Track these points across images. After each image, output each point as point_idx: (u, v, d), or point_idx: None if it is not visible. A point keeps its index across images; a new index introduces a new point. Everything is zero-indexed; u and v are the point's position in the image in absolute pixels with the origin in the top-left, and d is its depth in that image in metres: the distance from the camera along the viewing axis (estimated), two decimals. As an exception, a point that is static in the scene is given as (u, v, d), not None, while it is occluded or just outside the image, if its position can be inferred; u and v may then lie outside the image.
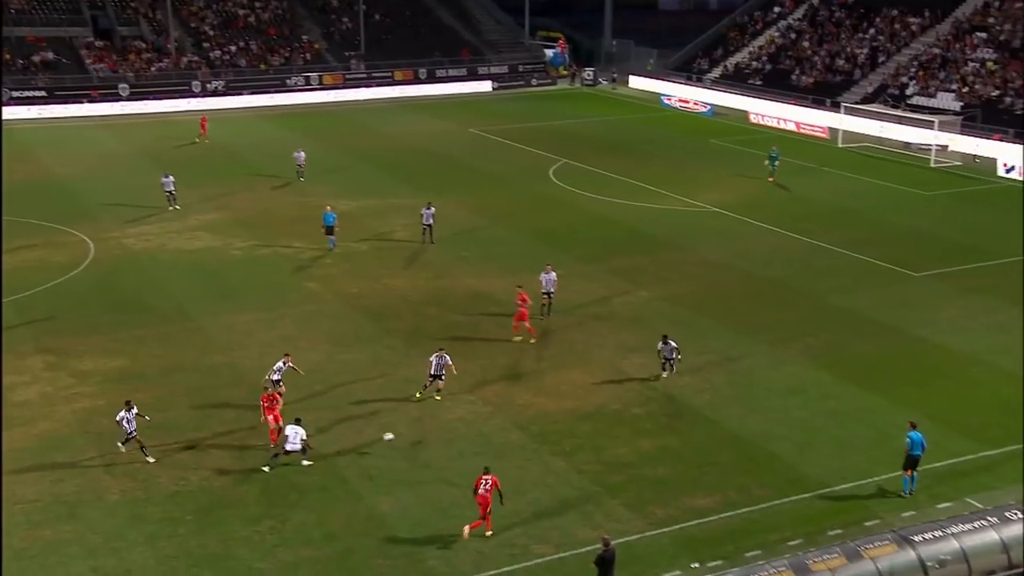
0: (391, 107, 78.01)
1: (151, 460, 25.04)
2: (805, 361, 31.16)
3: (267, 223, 45.82)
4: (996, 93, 69.27)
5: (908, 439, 23.89)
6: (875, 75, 78.45)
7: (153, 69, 79.53)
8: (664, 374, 29.48)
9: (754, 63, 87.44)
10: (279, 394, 26.52)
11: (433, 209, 42.58)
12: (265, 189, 52.22)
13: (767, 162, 54.25)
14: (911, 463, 23.82)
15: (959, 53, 74.75)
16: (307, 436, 24.77)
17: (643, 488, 24.14)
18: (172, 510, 23.46)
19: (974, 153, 60.82)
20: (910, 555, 19.20)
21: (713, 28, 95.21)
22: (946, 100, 70.77)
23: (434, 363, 28.12)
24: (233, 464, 25.23)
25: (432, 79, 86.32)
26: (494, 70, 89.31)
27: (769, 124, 72.55)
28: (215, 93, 79.18)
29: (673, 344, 29.34)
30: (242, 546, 22.19)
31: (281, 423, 25.75)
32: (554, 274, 34.43)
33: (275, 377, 27.58)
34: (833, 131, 66.54)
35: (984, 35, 75.08)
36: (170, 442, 26.24)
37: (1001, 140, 62.65)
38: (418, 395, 28.30)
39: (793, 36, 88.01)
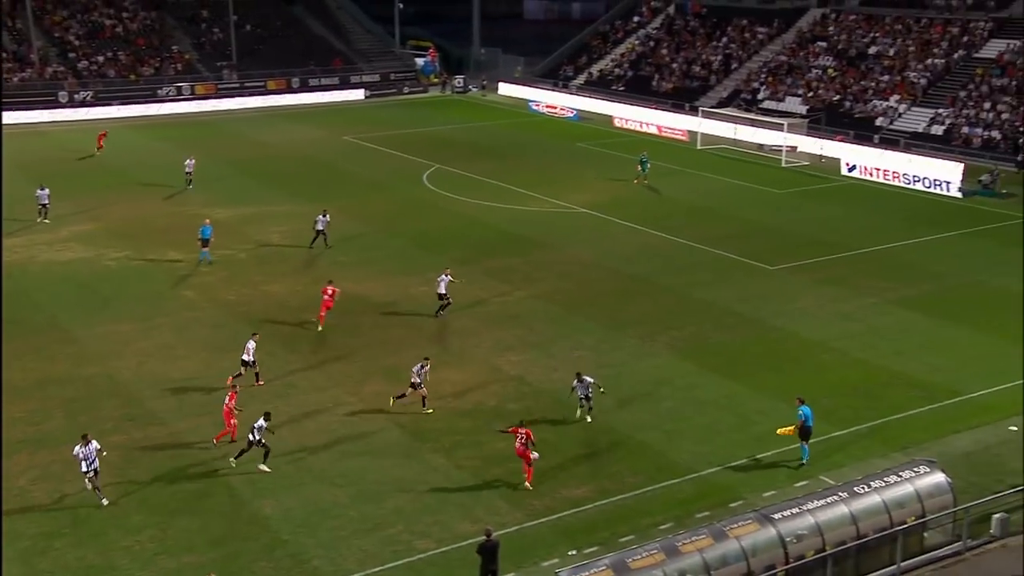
0: (265, 116, 76.47)
1: (104, 502, 22.87)
2: (671, 353, 31.65)
3: (142, 233, 44.43)
4: (837, 97, 72.36)
5: (800, 413, 24.76)
6: (729, 81, 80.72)
7: (15, 79, 76.09)
8: (580, 414, 26.89)
9: (616, 70, 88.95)
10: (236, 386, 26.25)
11: (328, 217, 42.28)
12: (140, 199, 50.51)
13: (639, 167, 55.03)
14: (805, 434, 24.70)
15: (803, 60, 77.74)
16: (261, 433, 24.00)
17: (522, 481, 24.23)
18: (47, 524, 22.53)
19: (820, 153, 63.22)
20: (771, 532, 19.76)
21: (577, 37, 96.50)
22: (793, 104, 73.36)
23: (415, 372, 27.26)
24: (112, 475, 24.33)
25: (305, 88, 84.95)
26: (366, 79, 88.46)
27: (632, 128, 73.72)
28: (83, 104, 76.20)
29: (589, 380, 26.72)
30: (123, 556, 21.51)
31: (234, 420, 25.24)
32: (448, 277, 34.48)
33: (246, 358, 27.79)
34: (692, 134, 68.13)
35: (824, 44, 78.29)
36: (46, 456, 25.18)
37: (843, 141, 65.17)
38: (392, 402, 27.58)
39: (652, 44, 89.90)
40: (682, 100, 79.73)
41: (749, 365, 30.78)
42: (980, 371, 30.51)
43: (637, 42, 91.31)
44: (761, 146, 66.32)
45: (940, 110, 66.04)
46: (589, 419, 27.04)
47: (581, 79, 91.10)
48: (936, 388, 29.40)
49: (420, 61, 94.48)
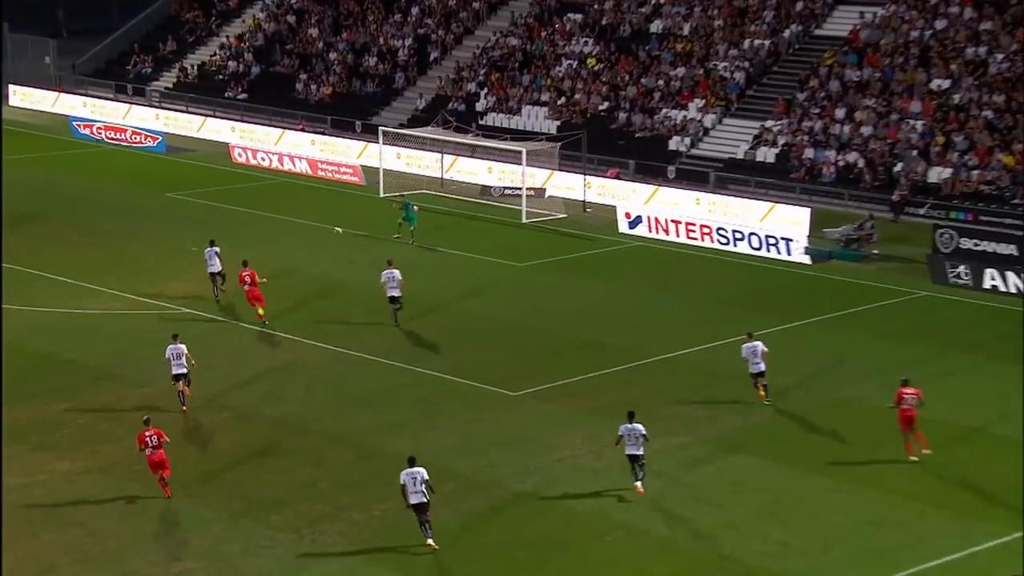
0: None
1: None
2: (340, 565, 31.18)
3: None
4: (605, 105, 74.91)
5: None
6: (427, 81, 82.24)
7: None
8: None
9: (232, 63, 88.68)
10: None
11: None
12: None
13: (401, 220, 58.46)
14: None
15: (547, 45, 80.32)
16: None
17: None
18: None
19: (582, 200, 64.84)
20: None
21: (155, 5, 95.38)
22: (536, 118, 75.49)
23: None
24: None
25: None
26: None
27: (263, 164, 73.43)
28: None
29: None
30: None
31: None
32: (397, 272, 46.75)
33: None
34: (369, 172, 68.44)
35: (579, 17, 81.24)
36: None
37: (619, 177, 67.53)
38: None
39: (292, 19, 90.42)
40: (350, 115, 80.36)
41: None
42: (857, 549, 31.64)
43: (264, 16, 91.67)
44: (486, 190, 67.56)
45: (768, 122, 69.81)
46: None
47: (168, 80, 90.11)
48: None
49: None
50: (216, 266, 49.71)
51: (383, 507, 33.40)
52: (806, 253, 56.21)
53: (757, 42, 74.19)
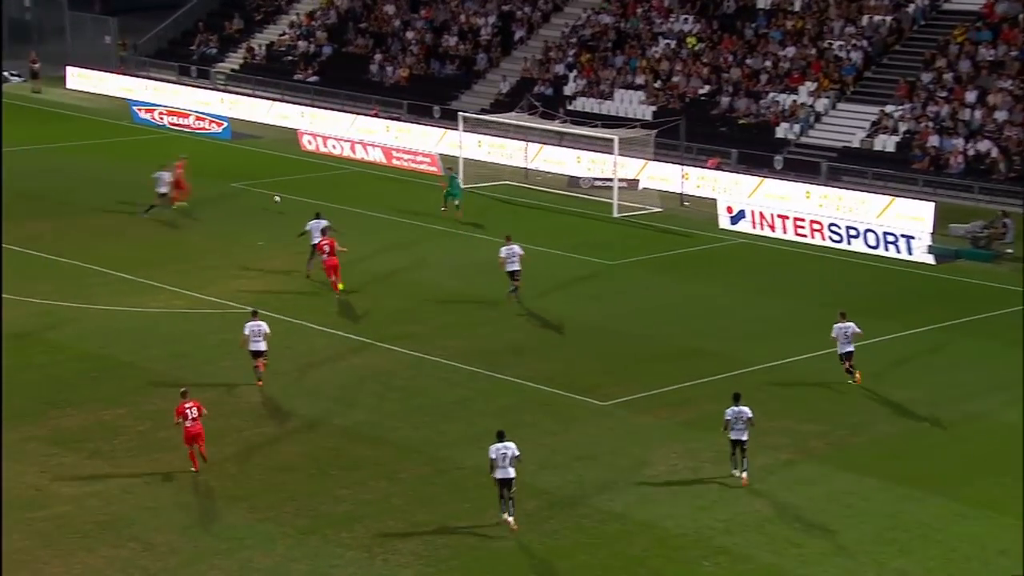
0: None
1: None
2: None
3: None
4: (706, 89, 74.73)
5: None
6: (511, 62, 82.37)
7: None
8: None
9: (301, 43, 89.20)
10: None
11: None
12: None
13: (446, 194, 60.89)
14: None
15: (642, 24, 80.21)
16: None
17: None
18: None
19: (680, 193, 64.82)
20: None
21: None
22: (629, 103, 75.47)
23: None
24: None
25: None
26: None
27: (334, 152, 73.92)
28: None
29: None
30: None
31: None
32: (517, 247, 49.56)
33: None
34: (448, 160, 68.72)
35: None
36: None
37: (720, 168, 67.40)
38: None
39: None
40: (427, 99, 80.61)
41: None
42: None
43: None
44: (574, 181, 67.63)
45: (888, 107, 69.38)
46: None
47: (234, 62, 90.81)
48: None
49: None
50: (163, 188, 56.17)
51: (461, 525, 33.48)
52: (929, 252, 55.88)
53: (877, 18, 73.75)
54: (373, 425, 39.68)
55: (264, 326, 41.86)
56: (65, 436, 38.68)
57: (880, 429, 39.64)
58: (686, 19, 78.67)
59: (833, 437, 38.95)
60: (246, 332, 41.98)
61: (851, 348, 41.74)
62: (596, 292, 52.21)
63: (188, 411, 35.89)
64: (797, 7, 76.32)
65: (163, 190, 59.63)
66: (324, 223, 52.41)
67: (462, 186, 62.41)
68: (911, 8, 73.32)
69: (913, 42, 72.64)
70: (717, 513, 34.22)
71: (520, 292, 49.59)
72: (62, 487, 35.37)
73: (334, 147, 74.33)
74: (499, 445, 32.95)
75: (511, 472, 32.86)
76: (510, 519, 32.82)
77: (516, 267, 49.68)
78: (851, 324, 41.67)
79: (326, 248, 50.57)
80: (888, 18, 73.30)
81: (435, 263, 55.18)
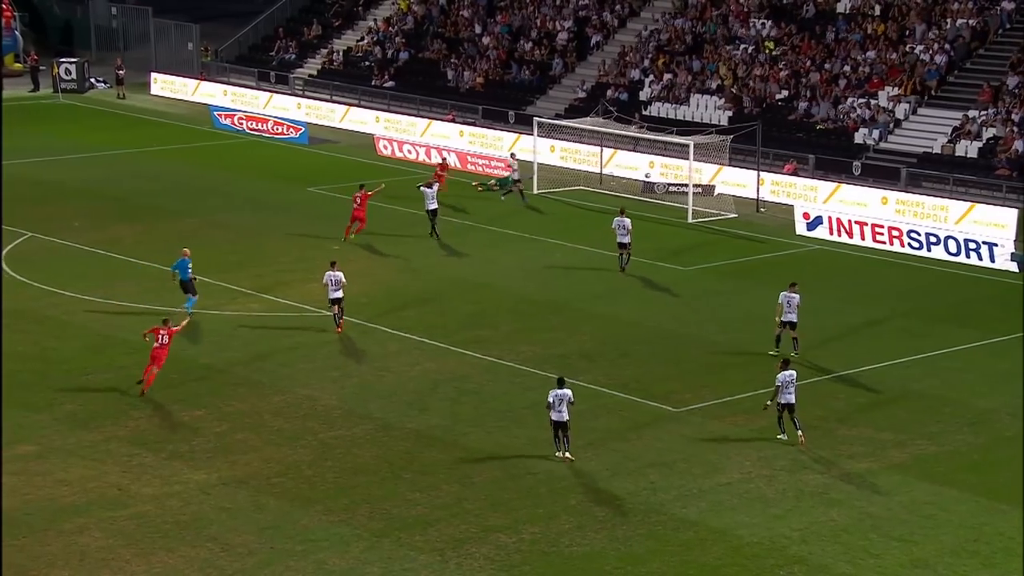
0: None
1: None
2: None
3: None
4: (783, 94, 74.74)
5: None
6: (586, 67, 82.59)
7: None
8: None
9: (378, 49, 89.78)
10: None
11: None
12: None
13: (502, 188, 65.46)
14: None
15: (719, 27, 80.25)
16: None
17: None
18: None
19: (756, 199, 64.98)
20: None
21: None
22: (705, 108, 75.57)
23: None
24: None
25: None
26: None
27: (408, 157, 74.48)
28: None
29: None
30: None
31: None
32: (627, 220, 54.22)
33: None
34: (523, 166, 69.10)
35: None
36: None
37: (797, 173, 67.51)
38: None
39: (444, 1, 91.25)
40: (503, 104, 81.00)
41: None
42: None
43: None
44: (648, 186, 67.93)
45: (971, 112, 69.01)
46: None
47: (312, 67, 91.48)
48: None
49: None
50: (433, 204, 58.55)
51: (534, 530, 33.79)
52: (1012, 260, 55.71)
53: (961, 21, 73.39)
54: (446, 429, 40.04)
55: (341, 275, 46.68)
56: (146, 437, 39.28)
57: (960, 439, 39.58)
58: (764, 23, 78.67)
59: (912, 446, 38.95)
60: (324, 281, 46.96)
61: (794, 318, 45.05)
62: (670, 298, 52.50)
63: (161, 337, 41.16)
64: (877, 11, 76.10)
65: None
66: (433, 191, 58.50)
67: (534, 191, 62.67)
68: (997, 10, 72.86)
69: (999, 45, 72.20)
70: (792, 522, 34.33)
71: (629, 264, 54.18)
72: (143, 487, 36.03)
73: (409, 152, 74.86)
74: (558, 391, 37.14)
75: (565, 415, 37.02)
76: (567, 454, 37.16)
77: (626, 239, 53.66)
78: (797, 296, 44.90)
79: (357, 200, 56.94)
80: (973, 21, 72.91)
81: (506, 267, 55.58)
